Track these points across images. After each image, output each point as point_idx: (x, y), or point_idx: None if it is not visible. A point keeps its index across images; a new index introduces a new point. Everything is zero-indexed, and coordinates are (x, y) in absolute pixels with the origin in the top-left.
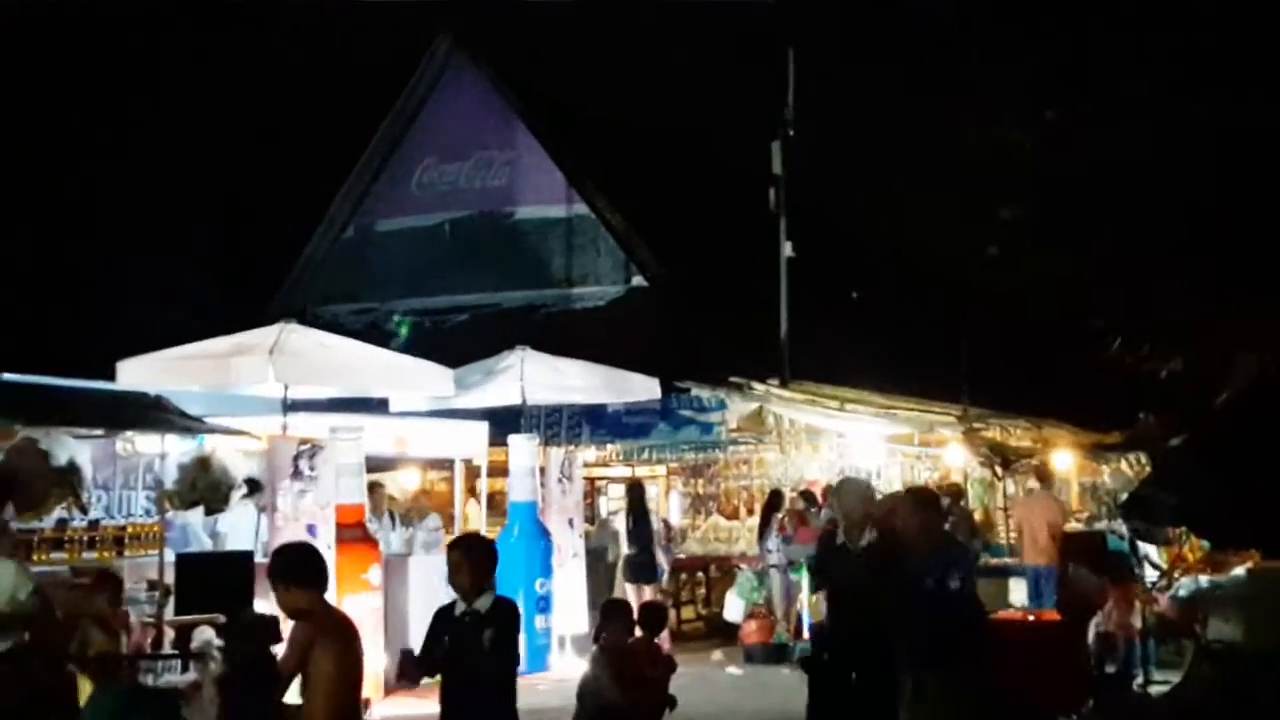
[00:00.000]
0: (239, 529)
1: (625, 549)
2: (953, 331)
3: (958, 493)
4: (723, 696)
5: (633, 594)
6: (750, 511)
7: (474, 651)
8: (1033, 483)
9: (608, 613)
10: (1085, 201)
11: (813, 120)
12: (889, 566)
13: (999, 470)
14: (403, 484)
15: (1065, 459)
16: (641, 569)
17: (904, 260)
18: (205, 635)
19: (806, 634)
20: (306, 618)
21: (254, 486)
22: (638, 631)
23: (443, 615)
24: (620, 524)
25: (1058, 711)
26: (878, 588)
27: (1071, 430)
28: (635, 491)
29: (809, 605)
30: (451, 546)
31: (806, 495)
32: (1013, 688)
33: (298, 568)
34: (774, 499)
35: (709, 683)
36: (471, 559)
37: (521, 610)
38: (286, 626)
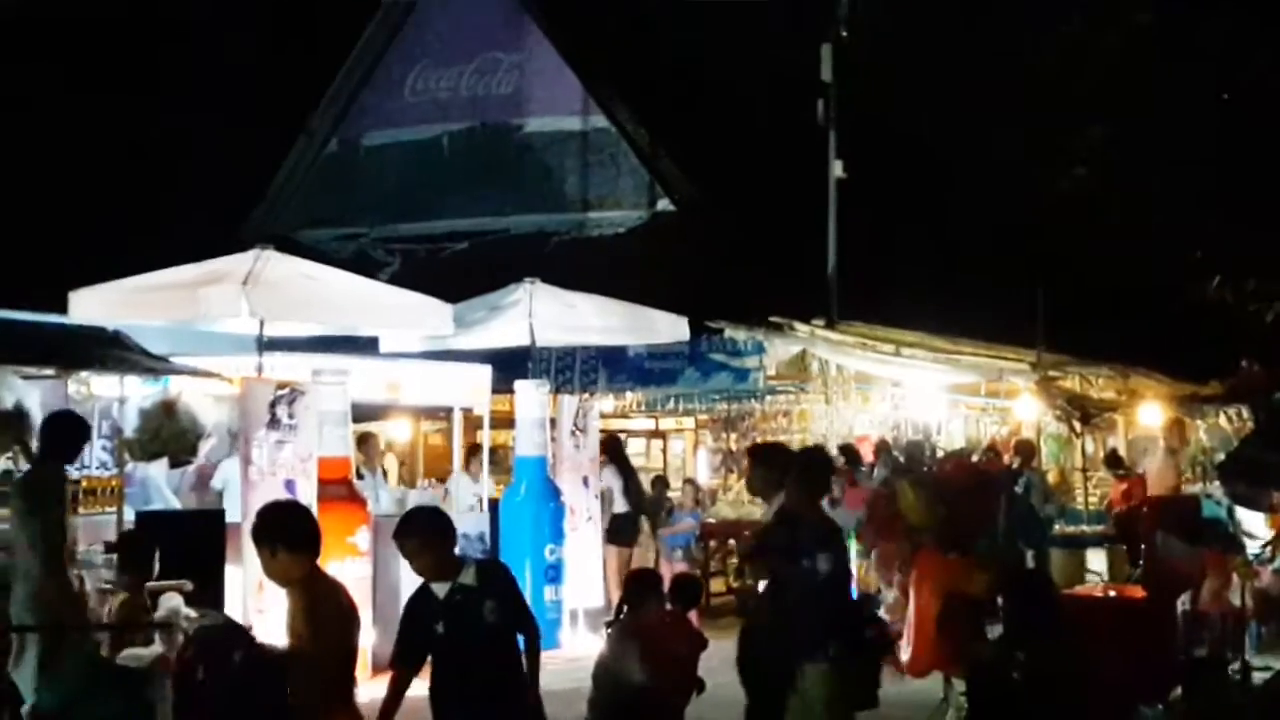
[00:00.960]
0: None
1: (618, 508)
2: (1027, 266)
3: (1030, 451)
4: None
5: (613, 558)
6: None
7: (478, 630)
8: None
9: (635, 585)
10: (1182, 117)
11: (868, 20)
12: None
13: (1077, 426)
14: (393, 435)
15: (1154, 413)
16: (622, 531)
17: (972, 184)
18: (171, 603)
19: None
20: (298, 586)
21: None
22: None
23: (422, 601)
24: (613, 482)
25: (1140, 700)
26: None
27: (1162, 380)
28: (616, 445)
29: (859, 576)
30: (402, 535)
31: (847, 451)
32: (1088, 673)
33: (288, 529)
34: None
35: None
36: (430, 538)
37: (529, 580)
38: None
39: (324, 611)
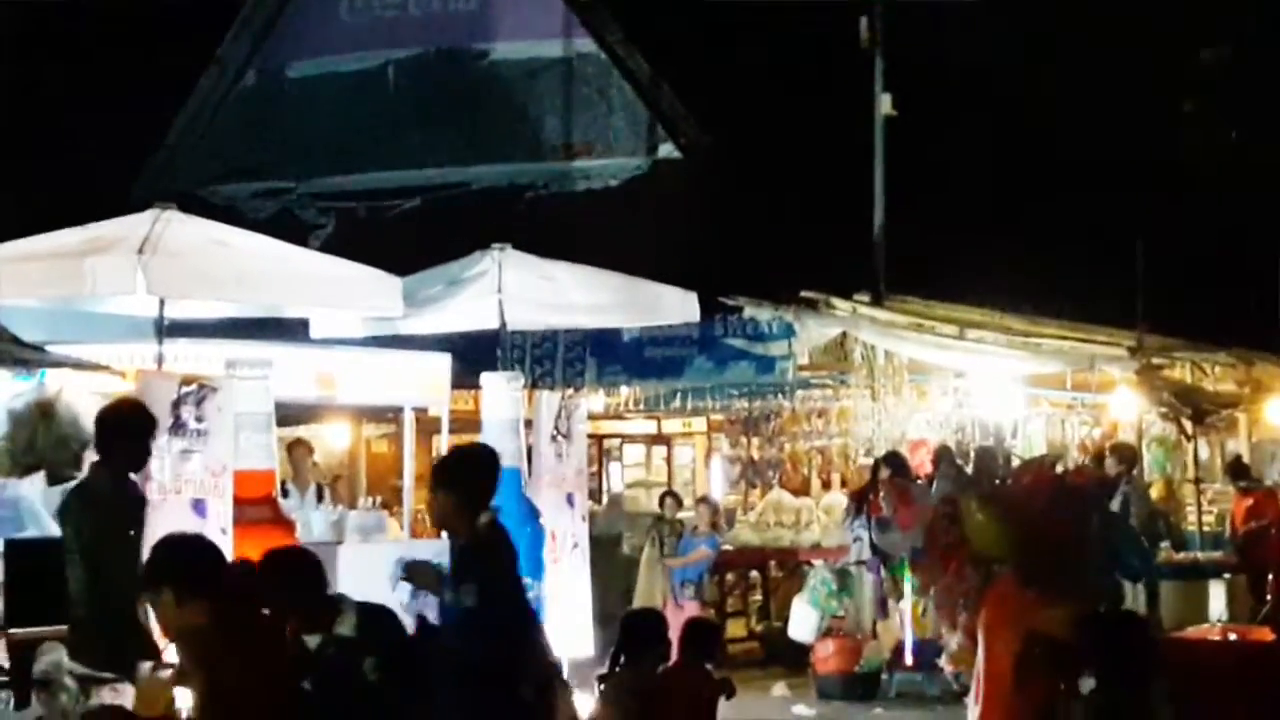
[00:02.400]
0: None
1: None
2: (1125, 226)
3: (1131, 456)
4: None
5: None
6: (826, 484)
7: (354, 694)
8: None
9: (634, 629)
10: None
11: None
12: None
13: (1188, 426)
14: (329, 443)
15: None
16: None
17: (1050, 123)
18: (51, 655)
19: (909, 659)
20: (201, 640)
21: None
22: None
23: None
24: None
25: None
26: None
27: None
28: None
29: (913, 618)
30: (266, 570)
31: (892, 460)
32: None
33: (188, 567)
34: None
35: None
36: (292, 577)
37: None
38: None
39: (228, 675)
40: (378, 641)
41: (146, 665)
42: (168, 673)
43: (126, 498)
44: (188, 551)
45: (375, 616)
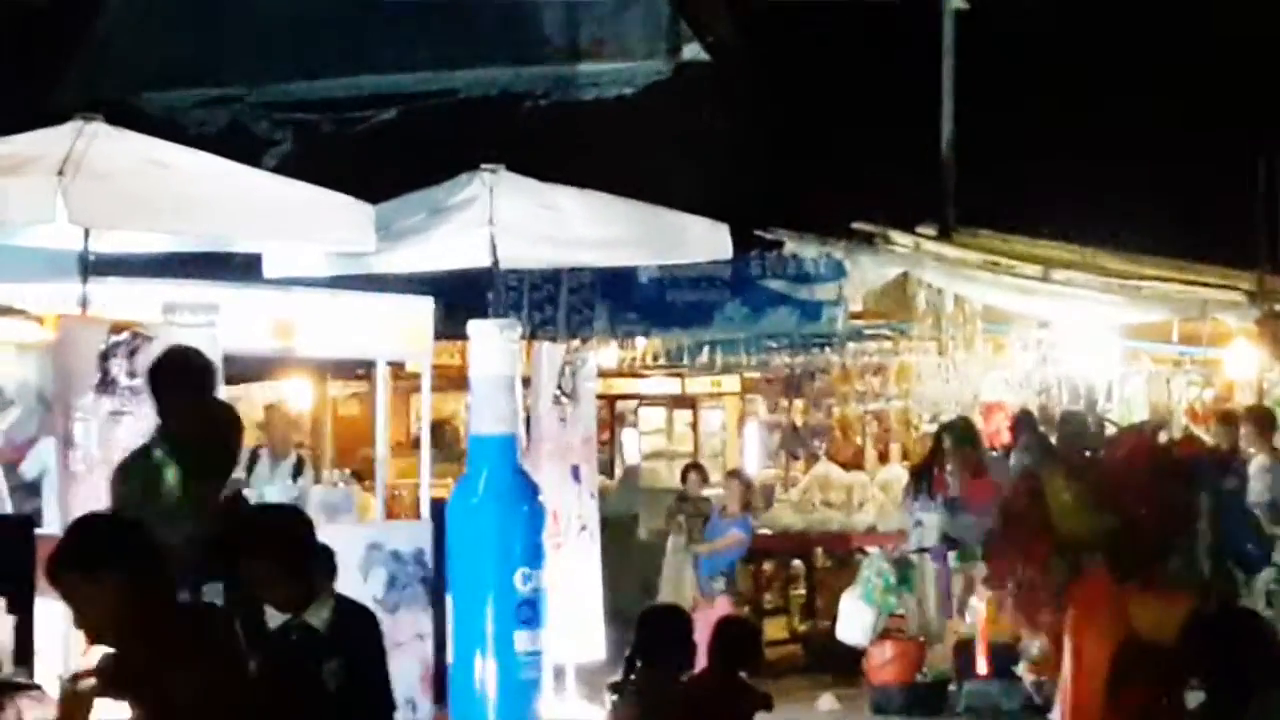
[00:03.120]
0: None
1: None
2: (1242, 145)
3: (1268, 422)
4: None
5: None
6: (883, 456)
7: (305, 695)
8: None
9: (653, 628)
10: None
11: None
12: None
13: None
14: (288, 402)
15: None
16: None
17: (1160, 20)
18: None
19: (982, 667)
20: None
21: None
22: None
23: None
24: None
25: None
26: None
27: None
28: None
29: (987, 616)
30: (247, 529)
31: (960, 429)
32: None
33: (140, 549)
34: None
35: None
36: (277, 542)
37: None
38: None
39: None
40: (349, 644)
41: (71, 672)
42: (91, 681)
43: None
44: (138, 531)
45: (355, 615)
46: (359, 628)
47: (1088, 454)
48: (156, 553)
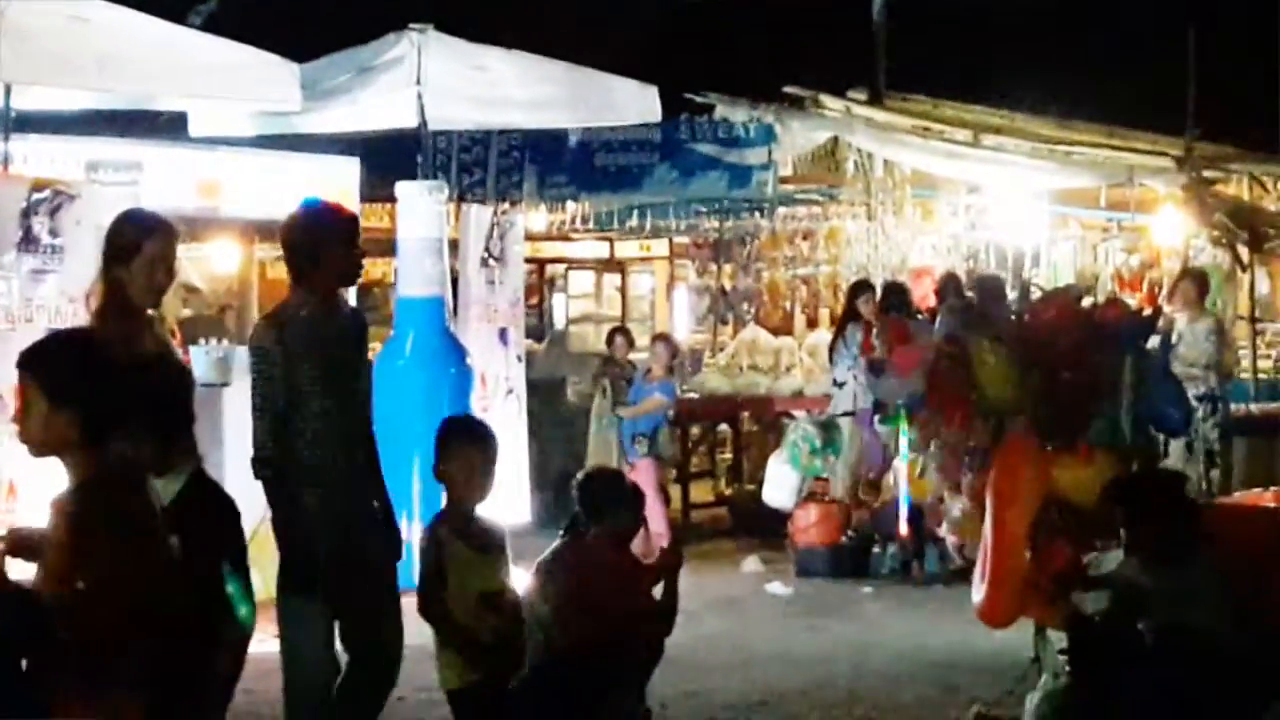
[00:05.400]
0: None
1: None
2: (1171, 13)
3: (1205, 282)
4: (758, 633)
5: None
6: (811, 321)
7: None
8: None
9: (591, 490)
10: None
11: None
12: None
13: (1244, 253)
14: (214, 265)
15: None
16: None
17: None
18: None
19: (903, 528)
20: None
21: None
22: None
23: None
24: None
25: None
26: None
27: None
28: None
29: (910, 478)
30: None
31: (893, 290)
32: (1252, 621)
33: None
34: (858, 295)
35: (736, 609)
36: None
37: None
38: None
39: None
40: (193, 517)
41: None
42: None
43: (333, 324)
44: (69, 346)
45: (206, 495)
46: (208, 504)
47: (1011, 318)
48: (110, 391)
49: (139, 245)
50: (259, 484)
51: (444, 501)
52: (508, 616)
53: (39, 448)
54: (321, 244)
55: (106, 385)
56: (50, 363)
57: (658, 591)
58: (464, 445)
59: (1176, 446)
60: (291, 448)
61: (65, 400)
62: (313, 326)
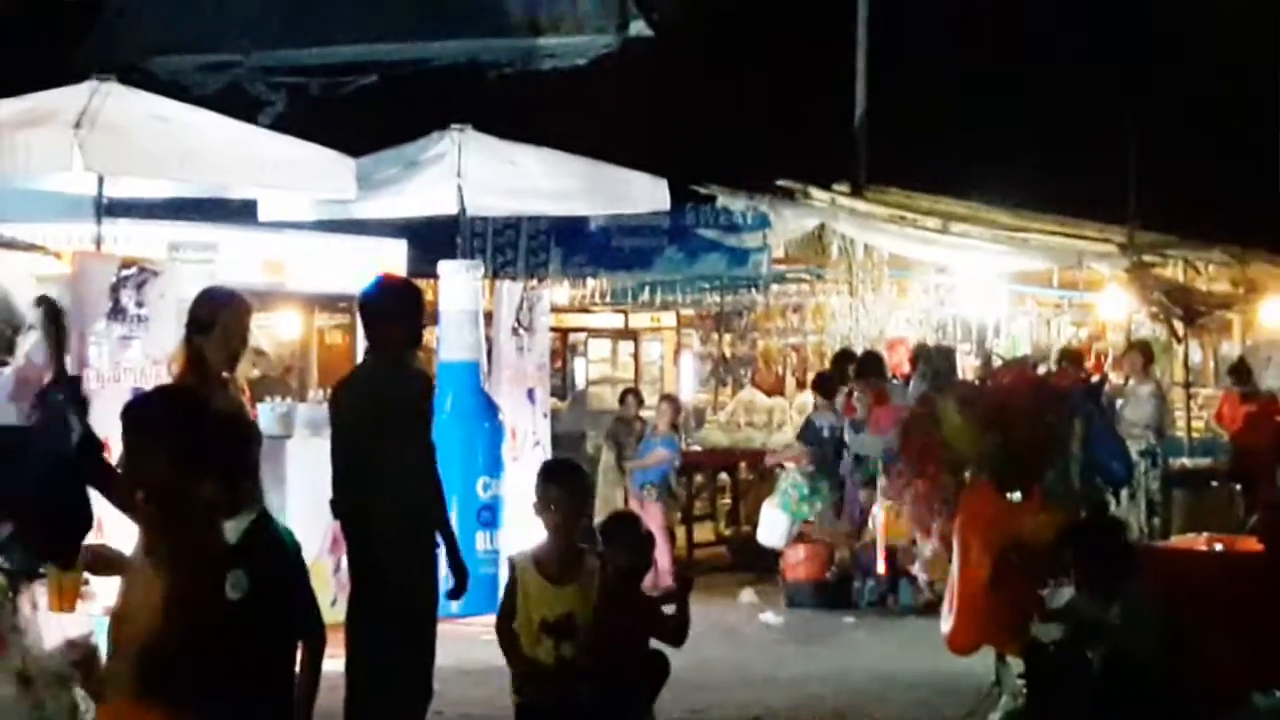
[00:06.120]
0: None
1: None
2: (1113, 119)
3: (1150, 353)
4: (752, 657)
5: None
6: (801, 384)
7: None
8: None
9: (615, 536)
10: None
11: None
12: None
13: (1179, 327)
14: (278, 332)
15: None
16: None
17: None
18: None
19: (880, 567)
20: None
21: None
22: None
23: None
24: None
25: (1253, 685)
26: None
27: None
28: None
29: (886, 523)
30: (132, 416)
31: (868, 361)
32: (1185, 650)
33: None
34: (842, 363)
35: (733, 637)
36: (175, 438)
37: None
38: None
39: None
40: (255, 557)
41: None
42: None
43: (405, 385)
44: (170, 402)
45: (269, 534)
46: (272, 545)
47: (980, 382)
48: (204, 441)
49: (217, 317)
50: (316, 522)
51: None
52: (574, 642)
53: (134, 487)
54: (392, 313)
55: (198, 438)
56: (153, 416)
57: (669, 610)
58: (544, 484)
59: (1122, 496)
60: (365, 492)
61: (164, 448)
62: (384, 386)
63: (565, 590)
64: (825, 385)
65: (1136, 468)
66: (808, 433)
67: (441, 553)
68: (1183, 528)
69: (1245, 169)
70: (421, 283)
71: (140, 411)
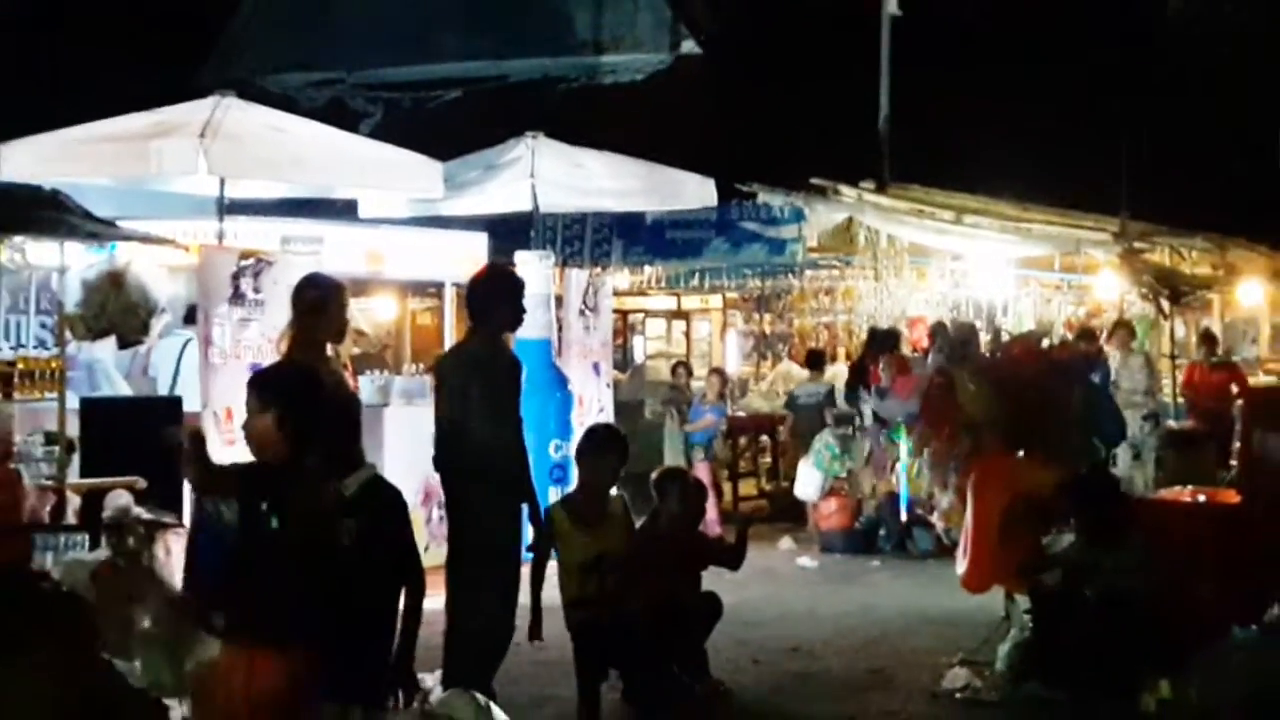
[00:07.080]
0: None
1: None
2: (1110, 118)
3: (1132, 330)
4: (791, 595)
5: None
6: (832, 357)
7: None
8: None
9: (665, 488)
10: None
11: None
12: None
13: (1165, 305)
14: (376, 314)
15: (1255, 291)
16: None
17: (1050, 20)
18: (120, 502)
19: (904, 516)
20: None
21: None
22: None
23: (262, 474)
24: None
25: (1232, 620)
26: None
27: (1266, 253)
28: None
29: (908, 478)
30: (259, 386)
31: (886, 336)
32: (1171, 588)
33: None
34: (875, 341)
35: (774, 578)
36: (292, 406)
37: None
38: None
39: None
40: (367, 510)
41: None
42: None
43: (501, 360)
44: (290, 375)
45: (381, 490)
46: (382, 499)
47: (987, 354)
48: (315, 414)
49: (324, 300)
50: (411, 479)
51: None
52: (610, 577)
53: (257, 446)
54: (498, 297)
55: (312, 406)
56: (276, 385)
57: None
58: (580, 445)
59: (1126, 455)
60: (463, 451)
61: (284, 414)
62: (483, 360)
63: (595, 533)
64: (815, 360)
65: (1142, 429)
66: (791, 403)
67: (524, 507)
68: (1169, 481)
69: (1241, 166)
70: None
71: (265, 379)
